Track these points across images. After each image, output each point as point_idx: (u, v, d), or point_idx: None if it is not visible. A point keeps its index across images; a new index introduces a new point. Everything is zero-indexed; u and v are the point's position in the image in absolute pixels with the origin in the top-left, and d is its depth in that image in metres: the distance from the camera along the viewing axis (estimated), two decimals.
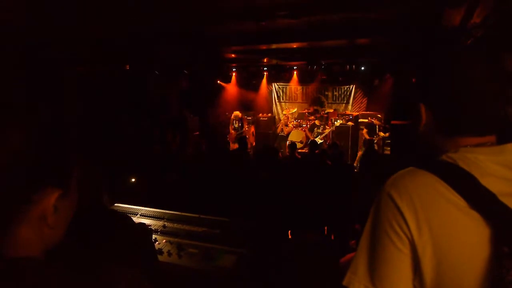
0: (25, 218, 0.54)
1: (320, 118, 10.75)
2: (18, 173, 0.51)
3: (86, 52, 6.27)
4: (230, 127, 10.74)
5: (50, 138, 0.55)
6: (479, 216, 0.74)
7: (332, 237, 4.89)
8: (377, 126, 9.66)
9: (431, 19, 5.80)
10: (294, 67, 11.55)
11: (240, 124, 10.64)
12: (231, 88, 12.50)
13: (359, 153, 9.47)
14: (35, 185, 0.54)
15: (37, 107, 0.54)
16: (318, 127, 10.22)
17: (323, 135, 10.08)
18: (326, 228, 4.89)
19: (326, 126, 10.31)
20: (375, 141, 9.32)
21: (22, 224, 0.54)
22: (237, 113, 10.74)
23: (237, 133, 10.55)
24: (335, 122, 10.45)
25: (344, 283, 0.84)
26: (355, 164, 9.00)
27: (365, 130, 9.59)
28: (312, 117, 10.83)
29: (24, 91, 0.54)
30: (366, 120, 9.96)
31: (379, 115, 10.08)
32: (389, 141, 9.31)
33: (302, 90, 12.50)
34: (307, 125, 10.74)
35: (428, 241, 0.76)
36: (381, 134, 9.44)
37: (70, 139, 0.59)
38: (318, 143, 9.65)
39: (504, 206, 0.73)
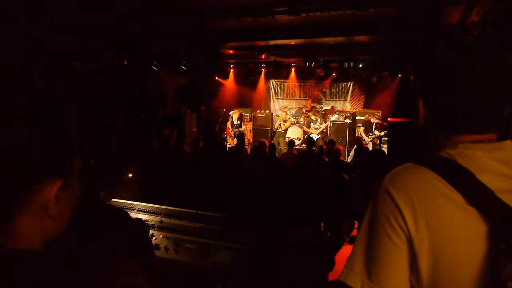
0: (26, 209, 0.55)
1: (316, 113, 10.73)
2: (19, 163, 0.52)
3: (85, 47, 6.24)
4: (228, 123, 10.73)
5: (51, 129, 0.55)
6: (477, 212, 0.74)
7: (328, 234, 4.90)
8: (374, 124, 9.64)
9: (431, 17, 5.80)
10: (292, 64, 11.54)
11: (239, 122, 10.63)
12: (229, 85, 12.47)
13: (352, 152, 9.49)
14: (37, 176, 0.55)
15: (37, 99, 0.55)
16: (315, 122, 10.21)
17: (320, 130, 10.07)
18: (322, 224, 4.91)
19: (323, 121, 10.30)
20: (371, 139, 9.31)
21: (23, 215, 0.55)
22: (236, 110, 10.75)
23: (236, 130, 10.55)
24: (332, 117, 10.47)
25: (341, 278, 0.84)
26: (348, 161, 9.01)
27: (362, 128, 9.58)
28: (310, 113, 10.83)
29: (24, 84, 0.54)
30: (364, 118, 9.93)
31: (377, 113, 10.04)
32: (386, 138, 9.33)
33: (300, 87, 12.49)
34: (304, 122, 10.74)
35: (425, 237, 0.76)
36: (377, 132, 9.43)
37: (71, 131, 0.60)
38: (315, 138, 9.66)
39: (501, 202, 0.73)
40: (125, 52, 7.95)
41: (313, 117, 10.34)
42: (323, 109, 11.34)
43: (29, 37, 0.61)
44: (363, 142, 8.68)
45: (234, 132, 10.48)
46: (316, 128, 10.08)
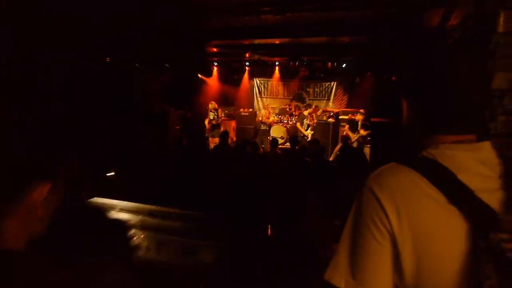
0: (15, 210, 0.55)
1: (307, 107, 10.71)
2: (9, 166, 0.52)
3: (70, 47, 6.09)
4: (206, 120, 10.65)
5: (41, 133, 0.56)
6: (458, 211, 0.76)
7: None
8: (359, 123, 9.70)
9: (413, 19, 5.90)
10: (276, 63, 11.57)
11: (216, 116, 10.55)
12: (212, 83, 12.38)
13: (336, 149, 9.47)
14: (27, 178, 0.55)
15: (27, 103, 0.55)
16: (307, 118, 10.20)
17: (312, 126, 10.07)
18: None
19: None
20: (356, 138, 9.36)
21: (12, 216, 0.55)
22: (212, 103, 10.67)
23: (211, 124, 10.45)
24: (315, 115, 10.53)
25: (325, 277, 0.84)
26: (331, 159, 9.07)
27: (347, 127, 9.60)
28: (296, 112, 10.85)
29: (15, 88, 0.55)
30: (347, 117, 9.99)
31: (361, 111, 10.11)
32: (369, 138, 9.40)
33: (284, 86, 12.53)
34: (288, 121, 10.77)
35: (408, 235, 0.77)
36: (362, 131, 9.45)
37: (59, 134, 0.60)
38: (309, 135, 9.71)
39: (480, 201, 0.75)
40: (109, 51, 7.81)
41: (305, 113, 10.29)
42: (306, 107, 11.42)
43: (14, 38, 0.61)
44: (349, 140, 8.72)
45: (211, 126, 10.38)
46: (309, 125, 10.07)
